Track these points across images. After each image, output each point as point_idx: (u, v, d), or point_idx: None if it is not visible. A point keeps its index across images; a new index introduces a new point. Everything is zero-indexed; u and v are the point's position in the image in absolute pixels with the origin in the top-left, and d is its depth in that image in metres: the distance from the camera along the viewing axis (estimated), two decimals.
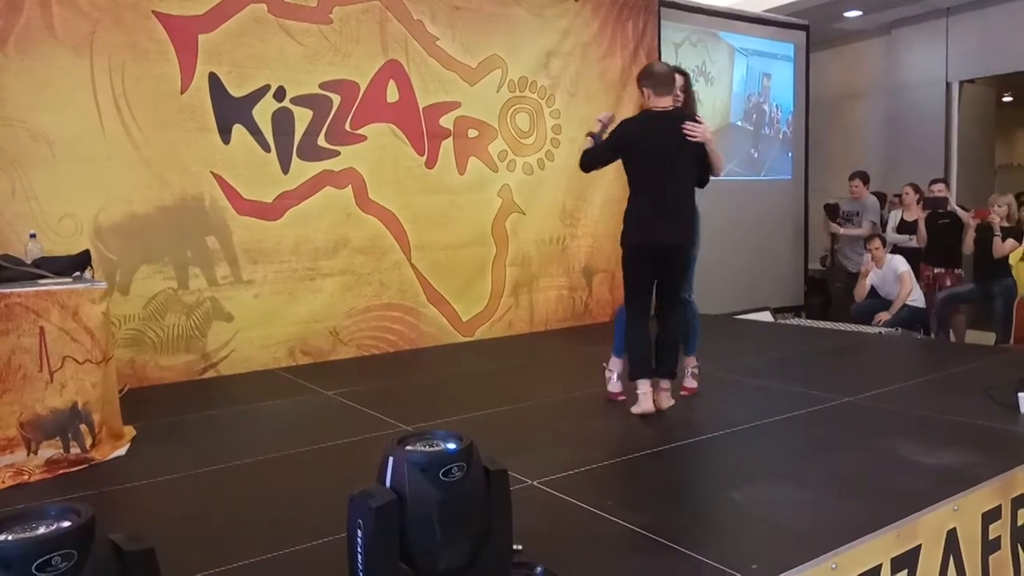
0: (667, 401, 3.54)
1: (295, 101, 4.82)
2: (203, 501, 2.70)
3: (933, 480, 2.59)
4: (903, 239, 7.02)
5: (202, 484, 2.85)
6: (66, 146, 4.12)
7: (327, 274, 5.00)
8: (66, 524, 1.34)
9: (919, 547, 2.25)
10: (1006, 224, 6.27)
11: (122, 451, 3.19)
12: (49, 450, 3.00)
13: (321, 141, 4.93)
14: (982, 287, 6.40)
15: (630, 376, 3.55)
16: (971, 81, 8.63)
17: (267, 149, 4.75)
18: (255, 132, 4.70)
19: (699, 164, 3.51)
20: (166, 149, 4.42)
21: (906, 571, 2.21)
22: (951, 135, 8.60)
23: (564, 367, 4.89)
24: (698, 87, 7.21)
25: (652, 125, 3.46)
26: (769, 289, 7.83)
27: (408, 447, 1.76)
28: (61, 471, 2.96)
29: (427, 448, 1.76)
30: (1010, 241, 6.15)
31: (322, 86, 4.92)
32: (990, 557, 2.48)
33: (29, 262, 3.36)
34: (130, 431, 3.38)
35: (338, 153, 5.00)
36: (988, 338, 6.43)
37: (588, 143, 3.64)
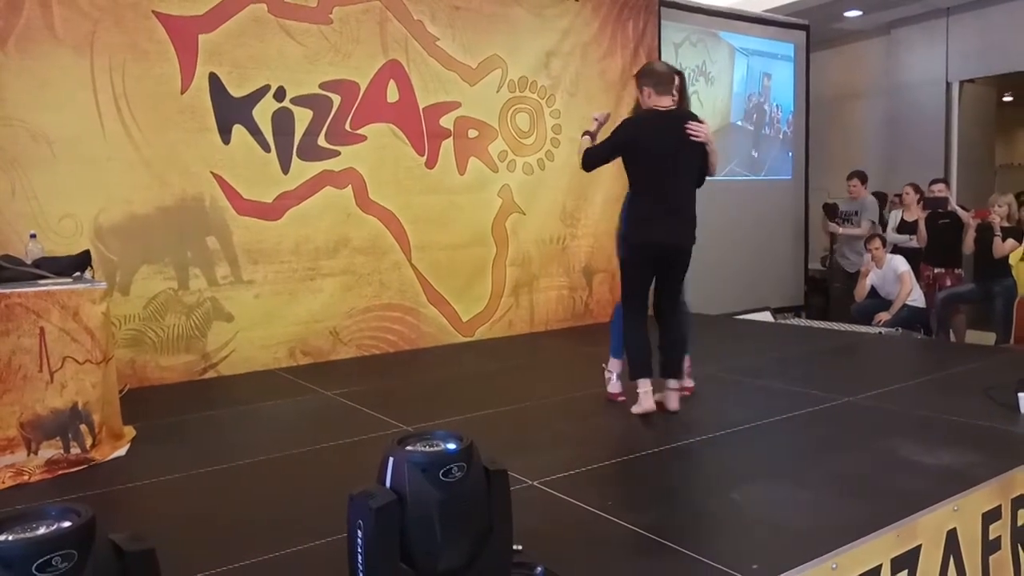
0: (677, 402, 3.53)
1: (295, 101, 4.82)
2: (203, 501, 2.70)
3: (933, 480, 2.59)
4: (903, 239, 7.02)
5: (202, 484, 2.85)
6: (66, 146, 4.12)
7: (327, 274, 5.00)
8: (66, 524, 1.34)
9: (919, 547, 2.25)
10: (1006, 224, 6.27)
11: (122, 451, 3.19)
12: (49, 450, 3.00)
13: (321, 141, 4.93)
14: (982, 287, 6.40)
15: (630, 376, 3.54)
16: (971, 81, 8.63)
17: (267, 149, 4.75)
18: (255, 132, 4.70)
19: (699, 164, 3.52)
20: (166, 149, 4.42)
21: (906, 571, 2.21)
22: (951, 135, 8.60)
23: (564, 367, 4.89)
24: (698, 87, 7.22)
25: (655, 124, 3.45)
26: (769, 289, 7.84)
27: (408, 447, 1.76)
28: (61, 471, 2.96)
29: (427, 448, 1.76)
30: (1010, 241, 6.15)
31: (322, 86, 4.92)
32: (990, 557, 2.48)
33: (29, 262, 3.36)
34: (130, 431, 3.38)
35: (338, 153, 5.00)
36: (988, 338, 6.43)
37: (587, 142, 3.64)
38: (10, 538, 1.32)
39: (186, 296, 4.52)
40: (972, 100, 8.71)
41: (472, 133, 5.58)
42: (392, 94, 5.21)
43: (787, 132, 8.14)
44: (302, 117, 4.85)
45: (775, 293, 7.92)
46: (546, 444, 3.21)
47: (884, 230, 7.29)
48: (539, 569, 1.92)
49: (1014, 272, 5.94)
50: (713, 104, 7.38)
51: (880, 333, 6.03)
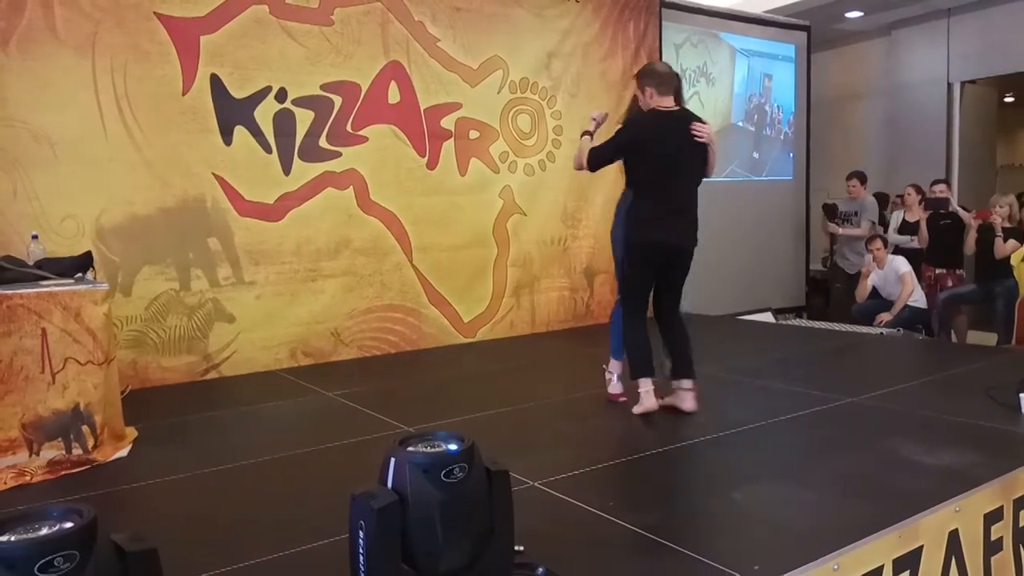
0: (693, 402, 3.51)
1: (296, 102, 4.82)
2: (205, 502, 2.71)
3: (935, 481, 2.59)
4: (905, 240, 7.02)
5: (204, 485, 2.85)
6: (68, 147, 4.13)
7: (328, 275, 5.00)
8: (68, 525, 1.34)
9: (921, 548, 2.25)
10: (1007, 225, 6.26)
11: (124, 452, 3.20)
12: (51, 451, 3.00)
13: (322, 142, 4.94)
14: (984, 288, 6.40)
15: (631, 376, 3.55)
16: (972, 82, 8.63)
17: (268, 150, 4.76)
18: (256, 133, 4.70)
19: (701, 165, 3.53)
20: (168, 150, 4.43)
21: (908, 572, 2.21)
22: (952, 136, 8.59)
23: (565, 368, 4.89)
24: (699, 88, 7.23)
25: (661, 125, 3.45)
26: (770, 290, 7.84)
27: (410, 448, 1.76)
28: (63, 472, 2.96)
29: (429, 449, 1.77)
30: (1012, 242, 6.14)
31: (323, 87, 4.92)
32: (992, 558, 2.48)
33: (31, 263, 3.37)
34: (132, 432, 3.38)
35: (339, 154, 5.00)
36: (990, 339, 6.43)
37: (588, 142, 3.63)
38: (12, 538, 1.32)
39: (188, 297, 4.53)
40: (973, 101, 8.71)
41: (473, 134, 5.59)
42: (393, 95, 5.21)
43: (788, 133, 8.14)
44: (303, 118, 4.86)
45: (776, 294, 7.92)
46: (547, 445, 3.21)
47: (886, 231, 7.29)
48: (540, 570, 1.92)
49: (1015, 273, 5.94)
50: (714, 105, 7.38)
51: (881, 334, 6.02)
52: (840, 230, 7.33)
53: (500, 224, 5.75)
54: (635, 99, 3.70)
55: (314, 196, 4.91)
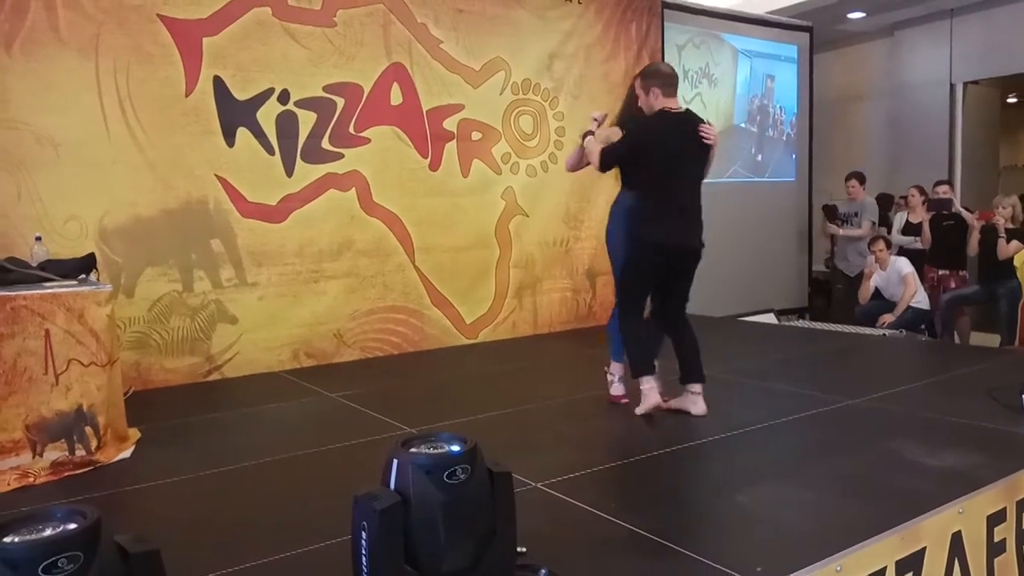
0: (703, 405, 3.51)
1: (299, 104, 4.83)
2: (208, 503, 2.71)
3: (938, 482, 2.58)
4: (908, 241, 7.01)
5: (207, 486, 2.86)
6: (71, 149, 4.13)
7: (331, 276, 5.01)
8: (72, 526, 1.35)
9: (924, 550, 2.24)
10: (1011, 226, 6.26)
11: (127, 453, 3.20)
12: (54, 452, 3.01)
13: (325, 144, 4.94)
14: (987, 289, 6.39)
15: (632, 374, 3.55)
16: (975, 82, 8.62)
17: (271, 152, 4.76)
18: (259, 135, 4.71)
19: (704, 166, 3.55)
20: (171, 152, 4.43)
21: (911, 574, 2.21)
22: (955, 137, 8.58)
23: (567, 369, 4.89)
24: (701, 89, 7.24)
25: (670, 126, 3.46)
26: (773, 291, 7.83)
27: (412, 449, 1.76)
28: (66, 473, 2.97)
29: (431, 450, 1.77)
30: (1015, 243, 6.14)
31: (326, 89, 4.93)
32: (995, 560, 2.48)
33: (35, 265, 3.37)
34: (135, 433, 3.38)
35: (342, 156, 5.01)
36: (993, 340, 6.42)
37: (593, 142, 3.62)
38: (16, 539, 1.32)
39: (190, 298, 4.53)
40: (976, 102, 8.70)
41: (475, 135, 5.59)
42: (396, 97, 5.22)
43: (790, 134, 8.13)
44: (306, 120, 4.86)
45: (779, 295, 7.92)
46: (549, 446, 3.21)
47: (889, 232, 7.29)
48: (543, 571, 1.92)
49: (1019, 274, 5.94)
50: (716, 106, 7.38)
51: (884, 335, 6.02)
52: (840, 231, 7.33)
53: (502, 225, 5.76)
54: (631, 99, 3.69)
55: (317, 197, 4.92)
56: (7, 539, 1.32)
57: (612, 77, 6.24)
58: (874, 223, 7.22)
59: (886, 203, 8.01)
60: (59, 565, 1.26)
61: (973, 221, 6.52)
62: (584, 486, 2.69)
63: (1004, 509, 2.52)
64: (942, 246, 6.70)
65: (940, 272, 6.73)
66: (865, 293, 6.70)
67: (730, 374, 4.30)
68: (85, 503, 1.45)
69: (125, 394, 3.47)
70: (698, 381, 3.53)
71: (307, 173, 4.88)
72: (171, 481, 2.90)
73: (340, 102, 4.98)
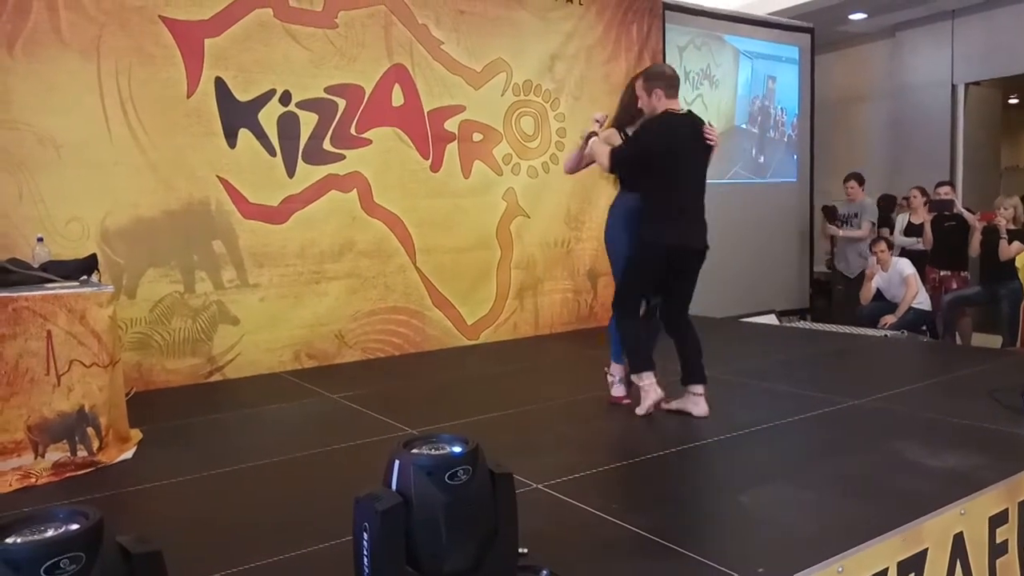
0: (706, 406, 3.51)
1: (300, 105, 4.83)
2: (210, 504, 2.71)
3: (939, 483, 2.58)
4: (911, 242, 7.01)
5: (209, 487, 2.86)
6: (73, 150, 4.14)
7: (332, 277, 5.01)
8: (74, 527, 1.35)
9: (926, 551, 2.24)
10: (1012, 227, 6.26)
11: (129, 454, 3.20)
12: (56, 453, 3.01)
13: (326, 145, 4.95)
14: (988, 290, 6.39)
15: (632, 370, 3.56)
16: (977, 83, 8.61)
17: (273, 153, 4.77)
18: (261, 136, 4.71)
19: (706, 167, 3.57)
20: (172, 153, 4.44)
21: (913, 575, 2.21)
22: (956, 137, 8.58)
23: (569, 370, 4.89)
24: (703, 90, 7.23)
25: (678, 127, 3.46)
26: (774, 292, 7.83)
27: (414, 450, 1.76)
28: (68, 474, 2.97)
29: (433, 451, 1.77)
30: (1016, 244, 6.14)
31: (327, 90, 4.93)
32: (997, 561, 2.48)
33: (36, 266, 3.37)
34: (136, 434, 3.39)
35: (343, 157, 5.01)
36: (994, 341, 6.42)
37: (599, 143, 3.61)
38: (18, 540, 1.32)
39: (192, 299, 4.54)
40: (977, 102, 8.69)
41: (477, 136, 5.59)
42: (397, 98, 5.22)
43: (792, 135, 8.13)
44: (307, 121, 4.87)
45: (780, 296, 7.91)
46: (551, 447, 3.21)
47: (891, 232, 7.29)
48: (544, 572, 1.92)
49: (1020, 275, 5.93)
50: (718, 107, 7.38)
51: (886, 336, 6.02)
52: (840, 232, 7.33)
53: (503, 226, 5.76)
54: (630, 101, 3.69)
55: (318, 199, 4.92)
56: (9, 540, 1.32)
57: (613, 78, 6.24)
58: (874, 224, 7.22)
59: (889, 204, 8.01)
60: (61, 566, 1.27)
61: (975, 222, 6.51)
62: (586, 487, 2.69)
63: (1006, 510, 2.52)
64: (944, 247, 6.70)
65: (942, 273, 6.73)
66: (867, 294, 6.70)
67: (732, 375, 4.30)
68: (87, 504, 1.45)
69: (127, 395, 3.47)
70: (700, 382, 3.53)
71: (308, 174, 4.89)
72: (173, 482, 2.90)
73: (341, 103, 4.99)
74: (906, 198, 7.40)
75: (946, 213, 6.67)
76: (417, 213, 5.32)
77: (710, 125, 3.54)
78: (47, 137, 4.07)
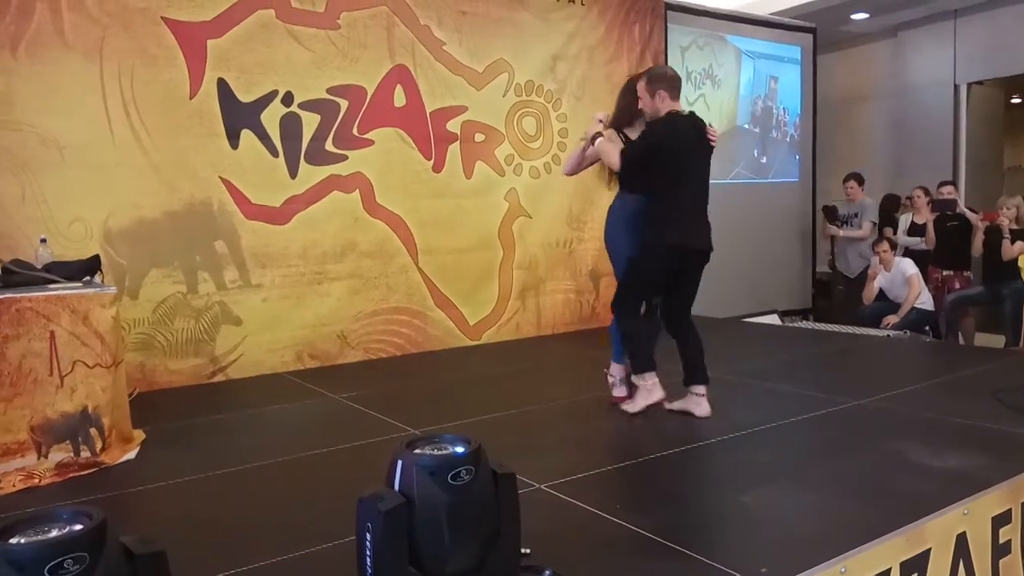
0: (708, 407, 3.52)
1: (303, 106, 4.84)
2: (213, 504, 2.71)
3: (942, 483, 2.58)
4: (914, 241, 7.01)
5: (212, 487, 2.86)
6: (76, 151, 4.15)
7: (334, 278, 5.02)
8: (78, 527, 1.35)
9: (928, 551, 2.24)
10: (1015, 226, 6.25)
11: (132, 455, 3.21)
12: (59, 453, 3.01)
13: (329, 146, 4.95)
14: (991, 290, 6.38)
15: (637, 370, 3.56)
16: (979, 83, 8.60)
17: (275, 154, 4.77)
18: (263, 137, 4.72)
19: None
20: (175, 154, 4.44)
21: (916, 575, 2.20)
22: (959, 137, 8.56)
23: (571, 370, 4.89)
24: (705, 90, 7.23)
25: (684, 128, 3.47)
26: (776, 292, 7.82)
27: (417, 451, 1.76)
28: (71, 474, 2.98)
29: (436, 451, 1.77)
30: (1019, 243, 6.13)
31: (330, 91, 4.94)
32: (1000, 561, 2.47)
33: (39, 267, 3.38)
34: (139, 435, 3.39)
35: (346, 158, 5.02)
36: (997, 341, 6.41)
37: (606, 143, 3.59)
38: (22, 540, 1.33)
39: (195, 300, 4.54)
40: (980, 102, 8.68)
41: (479, 137, 5.59)
42: (399, 98, 5.23)
43: (794, 135, 8.13)
44: (310, 122, 4.87)
45: (782, 296, 7.91)
46: (553, 447, 3.21)
47: (895, 232, 7.28)
48: (547, 572, 1.92)
49: (1023, 275, 5.92)
50: (720, 107, 7.38)
51: (888, 336, 6.01)
52: (840, 232, 7.32)
53: (506, 227, 5.76)
54: (630, 102, 3.68)
55: (320, 199, 4.92)
56: (13, 540, 1.33)
57: (615, 79, 6.21)
58: (874, 224, 7.21)
59: (893, 204, 8.00)
60: (65, 566, 1.27)
61: (977, 222, 6.51)
62: (588, 487, 2.69)
63: (1009, 510, 2.52)
64: (946, 247, 6.70)
65: (944, 273, 6.72)
66: (869, 294, 6.69)
67: (734, 375, 4.30)
68: (90, 504, 1.45)
69: (130, 395, 3.48)
70: (702, 383, 3.53)
71: (311, 175, 4.89)
72: (176, 482, 2.90)
73: (344, 104, 4.99)
74: (909, 198, 7.40)
75: (949, 213, 6.66)
76: (419, 214, 5.32)
77: (711, 126, 3.55)
78: (50, 138, 4.08)
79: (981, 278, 6.66)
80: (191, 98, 4.48)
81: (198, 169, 4.52)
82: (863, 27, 9.10)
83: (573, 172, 4.00)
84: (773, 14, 7.97)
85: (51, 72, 4.07)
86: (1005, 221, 6.23)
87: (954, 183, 7.30)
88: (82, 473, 3.00)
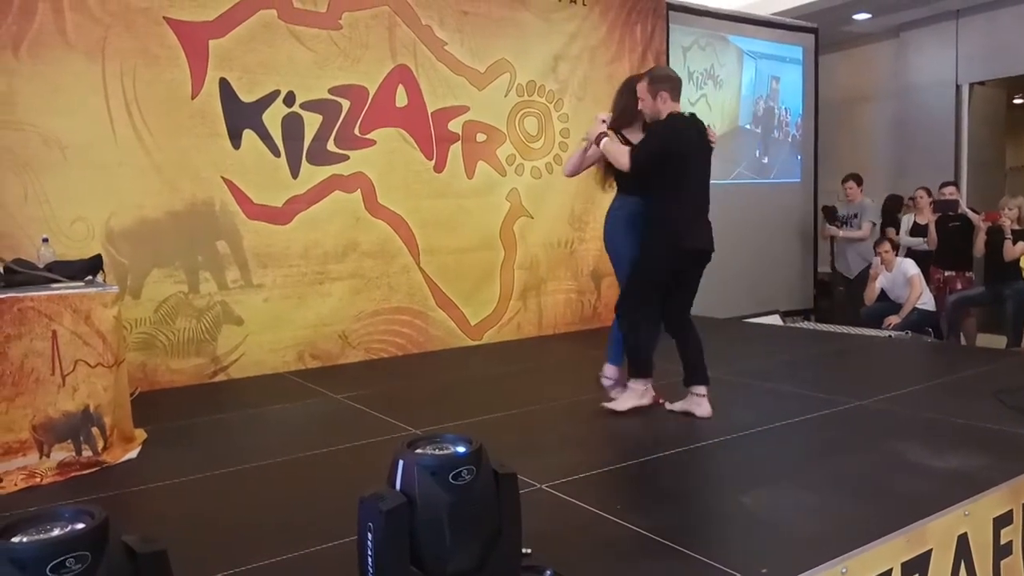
0: (708, 409, 3.52)
1: (305, 106, 4.84)
2: (214, 504, 2.72)
3: (943, 484, 2.58)
4: (916, 242, 7.00)
5: (213, 487, 2.87)
6: (78, 151, 4.15)
7: (336, 278, 5.02)
8: (80, 526, 1.35)
9: (930, 552, 2.24)
10: (1017, 227, 6.25)
11: (133, 454, 3.21)
12: (61, 453, 3.02)
13: (330, 146, 4.95)
14: (993, 290, 6.38)
15: (637, 373, 3.56)
16: (981, 83, 8.60)
17: (277, 154, 4.77)
18: (265, 137, 4.72)
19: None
20: (177, 154, 4.45)
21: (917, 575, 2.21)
22: (961, 138, 8.56)
23: (572, 370, 4.88)
24: (707, 90, 7.22)
25: (688, 130, 3.47)
26: (778, 292, 7.82)
27: (418, 450, 1.77)
28: (73, 474, 2.98)
29: (437, 451, 1.77)
30: (1020, 244, 6.13)
31: (331, 91, 4.94)
32: (1001, 562, 2.47)
33: (42, 266, 3.39)
34: (141, 434, 3.40)
35: (347, 158, 5.02)
36: (999, 341, 6.40)
37: (611, 143, 3.58)
38: (24, 539, 1.33)
39: (196, 300, 4.55)
40: (982, 102, 8.67)
41: (480, 137, 5.60)
42: (401, 99, 5.23)
43: (796, 135, 8.12)
44: (312, 122, 4.88)
45: (784, 296, 7.90)
46: (554, 447, 3.21)
47: (897, 232, 7.28)
48: (548, 572, 1.92)
49: None
50: (721, 107, 7.37)
51: (890, 336, 6.01)
52: (840, 233, 7.32)
53: (507, 227, 5.76)
54: (629, 103, 3.67)
55: (322, 199, 4.93)
56: (15, 539, 1.33)
57: (617, 79, 6.17)
58: (874, 224, 7.21)
59: (896, 204, 8.00)
60: (67, 565, 1.27)
61: (979, 222, 6.51)
62: (589, 487, 2.69)
63: (1010, 511, 2.52)
64: (948, 247, 6.69)
65: (946, 273, 6.72)
66: (871, 294, 6.69)
67: (735, 376, 4.30)
68: (92, 503, 1.45)
69: (131, 395, 3.48)
70: (703, 383, 3.53)
71: (312, 175, 4.89)
72: (177, 482, 2.91)
73: (345, 104, 4.99)
74: (912, 198, 7.39)
75: (950, 213, 6.66)
76: (421, 214, 5.32)
77: (710, 128, 3.57)
78: (52, 138, 4.08)
79: (983, 279, 6.65)
80: (193, 98, 4.48)
81: (200, 169, 4.53)
82: (865, 27, 9.09)
83: (574, 173, 4.00)
84: (775, 14, 7.97)
85: (53, 72, 4.08)
86: (1007, 222, 6.23)
87: (956, 183, 7.30)
88: (84, 472, 3.00)
